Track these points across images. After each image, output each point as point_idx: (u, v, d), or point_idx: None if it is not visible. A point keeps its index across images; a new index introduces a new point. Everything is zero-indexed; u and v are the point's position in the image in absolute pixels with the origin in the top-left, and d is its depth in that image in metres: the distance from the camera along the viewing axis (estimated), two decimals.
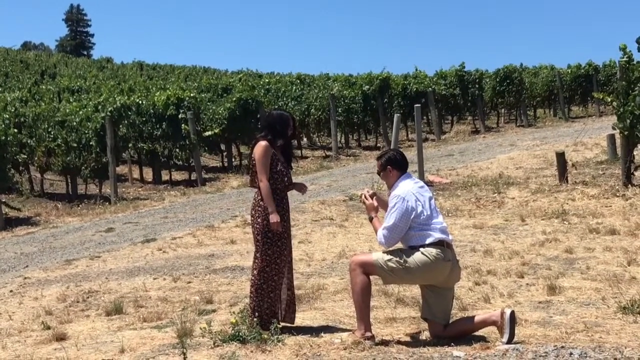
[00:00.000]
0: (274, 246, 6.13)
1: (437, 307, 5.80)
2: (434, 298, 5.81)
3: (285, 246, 6.21)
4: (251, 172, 6.31)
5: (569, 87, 30.48)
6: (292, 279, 6.36)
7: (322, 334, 5.98)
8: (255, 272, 6.16)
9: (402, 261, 5.68)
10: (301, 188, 6.50)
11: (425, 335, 5.93)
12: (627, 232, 9.63)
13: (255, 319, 5.96)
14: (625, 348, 5.17)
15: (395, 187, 5.87)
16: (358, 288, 5.74)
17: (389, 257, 5.73)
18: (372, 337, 5.66)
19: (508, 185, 13.76)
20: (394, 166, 5.95)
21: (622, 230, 9.70)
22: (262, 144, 6.16)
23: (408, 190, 5.79)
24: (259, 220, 6.14)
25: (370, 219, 5.98)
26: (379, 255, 5.81)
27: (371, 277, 5.83)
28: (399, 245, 5.89)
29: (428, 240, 5.67)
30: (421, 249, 5.67)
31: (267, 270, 6.13)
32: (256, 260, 6.18)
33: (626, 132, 12.52)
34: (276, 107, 23.52)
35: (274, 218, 6.03)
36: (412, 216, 5.68)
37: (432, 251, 5.66)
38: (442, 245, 5.72)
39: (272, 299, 6.14)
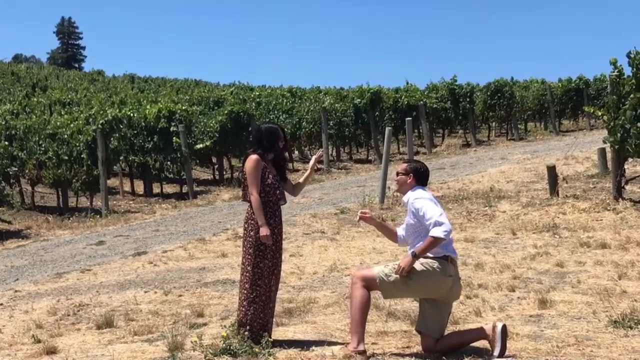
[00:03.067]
0: (265, 259, 6.13)
1: (433, 321, 5.79)
2: (431, 311, 5.80)
3: (277, 260, 6.21)
4: (243, 186, 6.32)
5: (559, 101, 30.67)
6: (275, 293, 6.34)
7: (313, 348, 5.96)
8: (247, 285, 6.15)
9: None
10: (309, 174, 6.55)
11: (417, 349, 5.92)
12: (617, 245, 9.66)
13: (246, 333, 5.95)
14: None
15: (408, 193, 5.89)
16: (357, 302, 5.73)
17: (390, 271, 5.73)
18: (363, 352, 5.64)
19: (499, 198, 13.79)
20: (416, 176, 5.95)
21: (612, 244, 9.73)
22: (253, 157, 6.18)
23: (425, 194, 5.82)
24: (251, 233, 6.14)
25: (413, 255, 5.68)
26: (380, 269, 5.81)
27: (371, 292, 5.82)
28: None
29: (432, 253, 5.67)
30: (423, 261, 5.67)
31: (258, 283, 6.12)
32: (246, 274, 6.17)
33: (617, 146, 12.58)
34: (267, 120, 23.57)
35: (264, 231, 6.04)
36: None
37: (434, 264, 5.66)
38: (446, 260, 5.72)
39: (264, 312, 6.13)
